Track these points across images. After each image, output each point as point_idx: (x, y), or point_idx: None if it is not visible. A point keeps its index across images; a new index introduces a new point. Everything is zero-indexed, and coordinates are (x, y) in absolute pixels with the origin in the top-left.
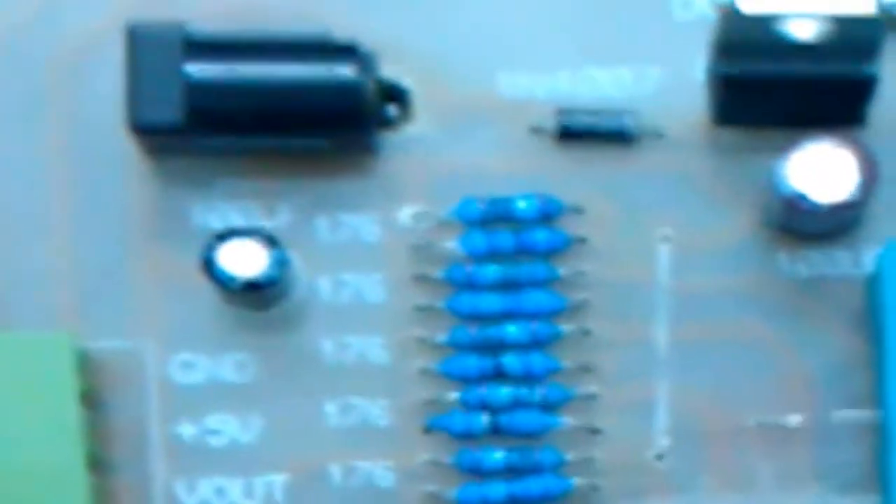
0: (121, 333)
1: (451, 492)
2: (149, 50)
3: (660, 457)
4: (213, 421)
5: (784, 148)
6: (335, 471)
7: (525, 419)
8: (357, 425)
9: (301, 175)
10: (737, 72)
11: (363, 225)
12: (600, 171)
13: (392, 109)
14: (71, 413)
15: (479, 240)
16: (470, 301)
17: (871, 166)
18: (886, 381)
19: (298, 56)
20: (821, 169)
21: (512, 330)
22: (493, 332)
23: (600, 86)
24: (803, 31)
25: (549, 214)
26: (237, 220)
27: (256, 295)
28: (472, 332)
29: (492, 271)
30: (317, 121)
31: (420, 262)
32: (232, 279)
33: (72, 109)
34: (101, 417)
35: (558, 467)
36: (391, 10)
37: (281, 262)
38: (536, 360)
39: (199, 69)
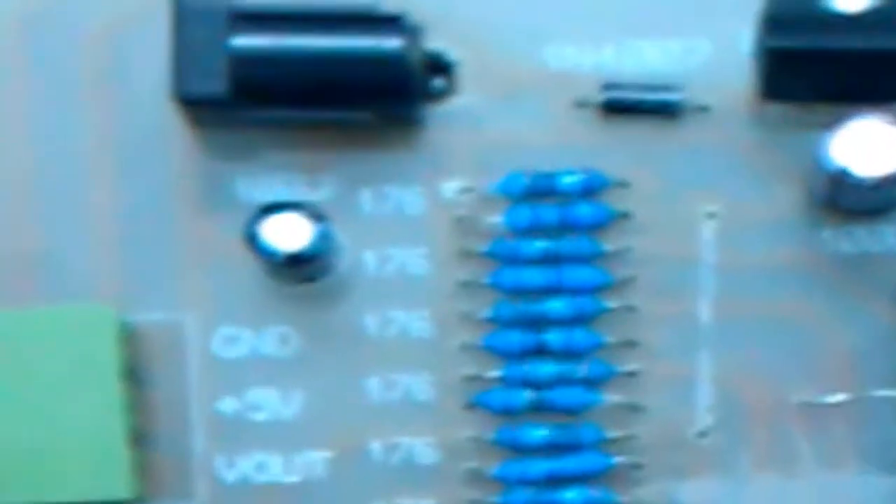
0: (164, 306)
1: (492, 468)
2: (194, 21)
3: (702, 434)
4: (254, 395)
5: (831, 123)
6: (376, 447)
7: (567, 395)
8: (399, 401)
9: (345, 148)
10: (784, 45)
11: (407, 198)
12: (645, 146)
13: (438, 82)
14: (113, 386)
15: (524, 214)
16: (513, 276)
17: None
18: None
19: (344, 28)
20: (867, 144)
21: (555, 305)
22: (536, 307)
23: (646, 59)
24: (852, 4)
25: (593, 189)
26: (281, 193)
27: (300, 268)
28: (516, 307)
29: (536, 246)
30: (362, 93)
31: (464, 237)
32: (275, 253)
33: (117, 81)
34: (143, 391)
35: (600, 444)
36: None
37: (325, 236)
38: (579, 336)
39: (244, 41)
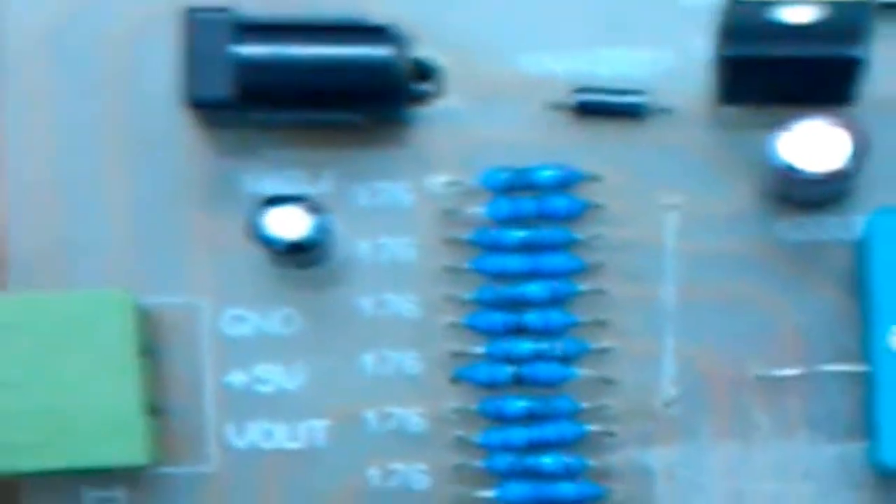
0: (177, 290)
1: (477, 436)
2: (202, 32)
3: (667, 405)
4: (260, 370)
5: (782, 124)
6: (371, 416)
7: (544, 370)
8: (391, 375)
9: (341, 146)
10: (738, 54)
11: (397, 192)
12: (614, 144)
13: (424, 86)
14: (131, 363)
15: (504, 206)
16: (495, 262)
17: (860, 141)
18: (872, 336)
19: (339, 38)
20: (813, 143)
21: (533, 288)
22: (515, 290)
23: (614, 66)
24: (798, 16)
25: (567, 183)
26: (283, 187)
27: (300, 256)
28: (497, 290)
29: (515, 235)
30: (355, 96)
31: (449, 226)
32: (278, 241)
33: (133, 86)
34: (159, 367)
35: (574, 415)
36: None
37: (322, 226)
38: (555, 317)
39: (248, 49)
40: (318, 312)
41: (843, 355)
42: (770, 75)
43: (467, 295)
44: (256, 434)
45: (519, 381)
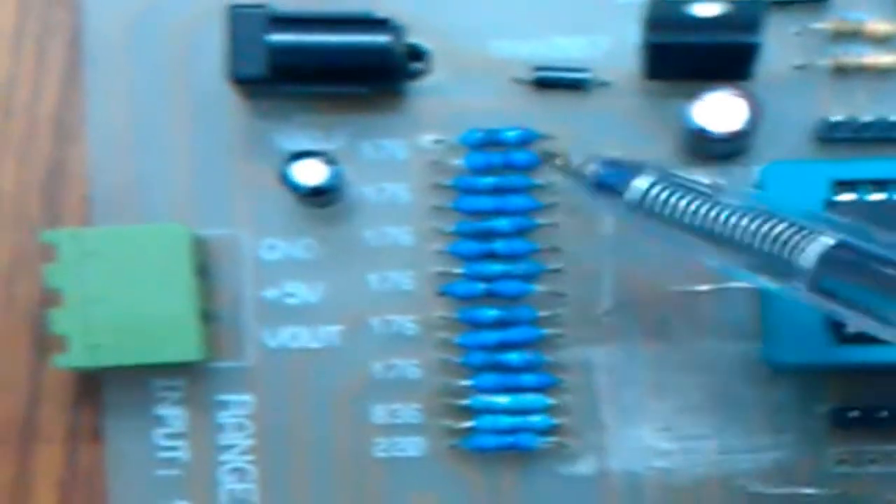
0: (224, 224)
1: (458, 338)
2: (243, 23)
3: (607, 314)
4: (289, 287)
5: (695, 95)
6: (375, 322)
7: (510, 286)
8: (390, 290)
9: (351, 112)
10: (659, 41)
11: (395, 148)
12: (564, 111)
13: (417, 66)
14: (188, 281)
15: (478, 158)
16: (471, 202)
17: (754, 108)
18: None
19: (350, 28)
20: (719, 110)
21: (501, 223)
22: (487, 224)
23: (564, 49)
24: (707, 11)
25: (528, 141)
26: (305, 144)
27: (319, 198)
28: (473, 224)
29: (487, 181)
30: (362, 74)
31: (436, 174)
32: (302, 187)
33: (191, 65)
34: (210, 284)
35: (533, 321)
36: None
37: (336, 175)
38: (518, 245)
39: (279, 37)
40: (334, 242)
41: None
42: (685, 57)
43: (450, 228)
44: (286, 336)
45: (490, 295)
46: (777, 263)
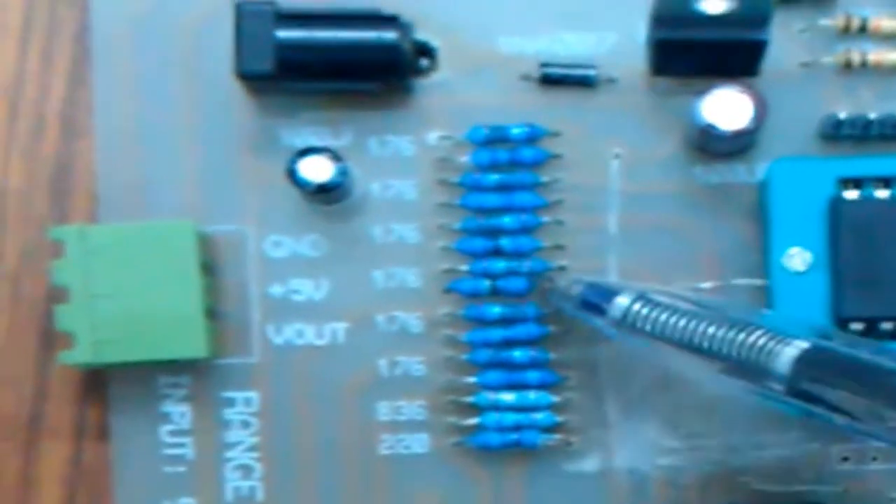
0: (230, 220)
1: (463, 335)
2: (250, 20)
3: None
4: (294, 283)
5: (702, 91)
6: (381, 319)
7: (515, 284)
8: (396, 287)
9: (358, 108)
10: (667, 37)
11: (402, 144)
12: (570, 107)
13: (423, 62)
14: (194, 277)
15: (484, 155)
16: (477, 199)
17: (760, 105)
18: (770, 257)
19: (357, 24)
20: (726, 106)
21: (507, 220)
22: (493, 221)
23: (571, 46)
24: (715, 7)
25: (534, 137)
26: (312, 141)
27: (326, 194)
28: (479, 221)
29: (493, 178)
30: (370, 70)
31: (442, 171)
32: (308, 183)
33: (198, 61)
34: (216, 280)
35: (538, 318)
36: None
37: (343, 171)
38: (523, 242)
39: (285, 34)
40: (340, 238)
41: (749, 272)
42: (692, 54)
43: (456, 225)
44: (291, 333)
45: (495, 292)
46: (755, 369)
